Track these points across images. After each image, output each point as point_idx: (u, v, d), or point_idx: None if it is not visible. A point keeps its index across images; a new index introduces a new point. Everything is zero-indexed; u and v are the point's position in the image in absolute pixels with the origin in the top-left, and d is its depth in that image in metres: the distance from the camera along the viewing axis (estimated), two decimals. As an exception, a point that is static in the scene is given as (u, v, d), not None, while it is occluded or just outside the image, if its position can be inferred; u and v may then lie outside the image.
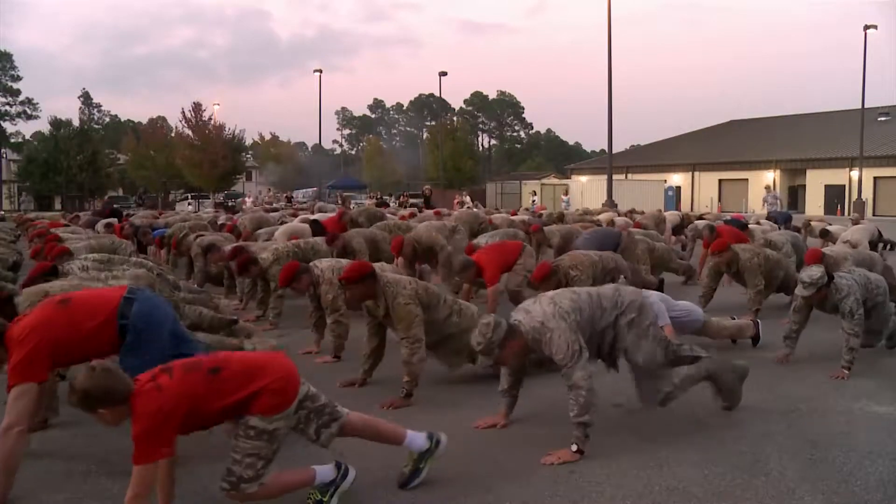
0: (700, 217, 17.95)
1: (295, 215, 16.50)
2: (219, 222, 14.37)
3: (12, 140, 57.40)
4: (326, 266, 5.93)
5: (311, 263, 6.03)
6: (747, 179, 46.25)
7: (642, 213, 19.33)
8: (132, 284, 4.28)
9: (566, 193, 40.10)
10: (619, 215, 19.96)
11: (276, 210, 21.53)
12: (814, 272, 5.30)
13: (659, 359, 4.00)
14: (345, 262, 6.04)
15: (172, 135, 45.05)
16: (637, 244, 9.25)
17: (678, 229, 15.09)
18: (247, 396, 2.84)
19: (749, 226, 13.82)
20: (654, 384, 4.03)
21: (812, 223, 13.61)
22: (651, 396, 4.06)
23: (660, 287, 8.50)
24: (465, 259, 7.53)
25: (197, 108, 38.70)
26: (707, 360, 4.23)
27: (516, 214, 19.21)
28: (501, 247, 8.25)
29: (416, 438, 3.37)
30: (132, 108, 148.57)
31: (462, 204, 39.06)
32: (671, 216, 16.14)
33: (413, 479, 3.36)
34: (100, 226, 14.51)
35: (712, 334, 6.04)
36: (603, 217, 16.34)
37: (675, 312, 5.79)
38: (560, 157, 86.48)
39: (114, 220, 15.26)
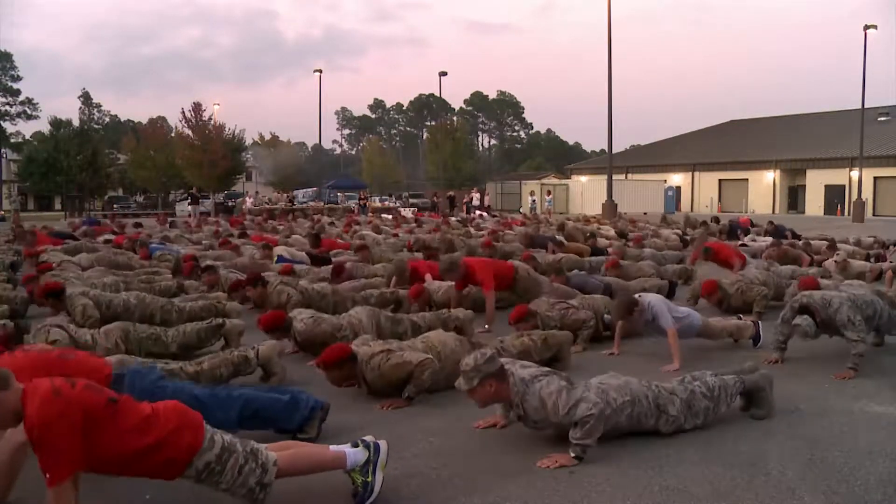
0: (704, 223, 17.93)
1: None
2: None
3: (12, 140, 57.41)
4: (308, 317, 5.87)
5: (291, 314, 5.97)
6: (747, 179, 46.26)
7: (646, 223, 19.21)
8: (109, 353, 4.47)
9: (549, 194, 40.31)
10: (620, 216, 20.01)
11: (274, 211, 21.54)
12: (804, 325, 5.25)
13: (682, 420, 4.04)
14: (326, 316, 6.01)
15: (172, 135, 45.00)
16: (629, 275, 9.53)
17: (682, 240, 15.09)
18: (146, 448, 2.74)
19: (744, 243, 13.81)
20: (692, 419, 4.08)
21: (813, 243, 13.31)
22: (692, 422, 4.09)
23: (671, 291, 8.50)
24: (452, 257, 7.23)
25: (197, 108, 38.61)
26: (748, 376, 4.32)
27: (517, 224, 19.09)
28: (494, 261, 8.11)
29: (352, 455, 3.16)
30: (136, 108, 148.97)
31: (471, 201, 39.28)
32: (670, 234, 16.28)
33: (367, 494, 3.12)
34: (100, 240, 14.56)
35: (712, 335, 6.04)
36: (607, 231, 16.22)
37: (674, 314, 5.78)
38: (560, 157, 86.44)
39: (110, 236, 15.37)
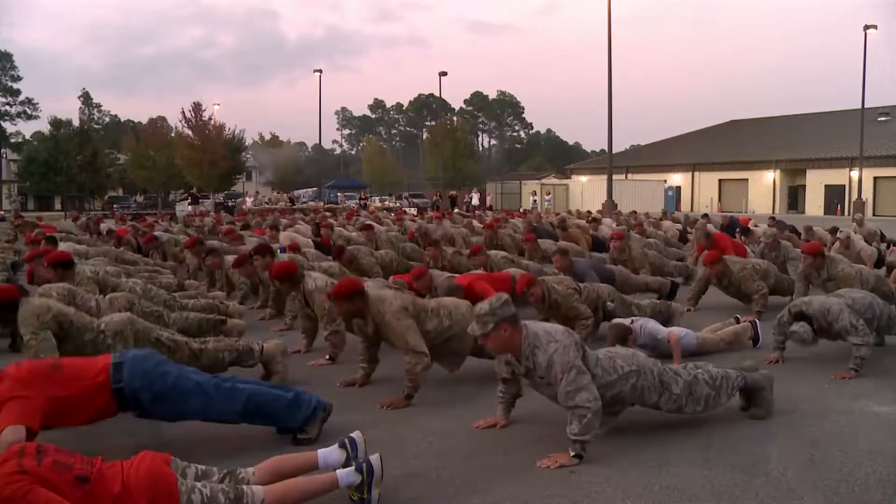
0: (705, 215, 18.02)
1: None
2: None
3: (12, 140, 57.42)
4: (320, 276, 5.98)
5: (305, 272, 6.04)
6: (747, 179, 46.27)
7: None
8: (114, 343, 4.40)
9: (548, 194, 40.44)
10: (619, 216, 20.02)
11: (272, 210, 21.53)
12: (801, 332, 5.26)
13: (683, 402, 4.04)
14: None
15: (172, 135, 44.98)
16: (633, 249, 9.41)
17: (682, 236, 15.13)
18: None
19: (751, 228, 13.89)
20: (693, 405, 4.08)
21: (814, 229, 13.41)
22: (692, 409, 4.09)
23: (673, 292, 8.48)
24: (450, 283, 7.23)
25: (197, 107, 38.58)
26: (749, 374, 4.32)
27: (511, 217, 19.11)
28: (491, 274, 8.07)
29: (344, 477, 3.10)
30: (136, 108, 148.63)
31: (470, 200, 39.34)
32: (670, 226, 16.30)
33: None
34: (103, 228, 14.60)
35: (710, 349, 6.00)
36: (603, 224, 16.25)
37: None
38: (560, 156, 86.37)
39: (112, 227, 15.44)
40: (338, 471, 3.11)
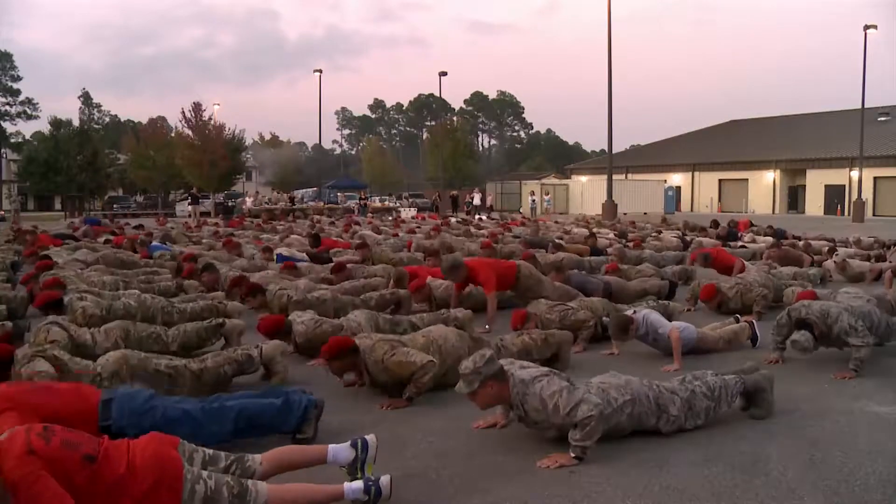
0: (702, 229, 17.95)
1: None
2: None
3: (12, 140, 57.41)
4: (308, 319, 5.94)
5: (290, 317, 6.01)
6: (747, 179, 46.27)
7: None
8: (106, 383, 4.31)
9: (547, 194, 40.49)
10: (619, 220, 20.01)
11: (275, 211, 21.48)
12: (802, 341, 5.22)
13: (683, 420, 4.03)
14: (325, 318, 6.03)
15: (172, 135, 44.97)
16: (627, 274, 9.50)
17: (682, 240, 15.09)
18: None
19: (747, 246, 13.79)
20: (693, 419, 4.07)
21: (813, 244, 13.32)
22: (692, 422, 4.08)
23: (671, 292, 8.48)
24: (454, 258, 7.13)
25: (197, 108, 38.57)
26: (747, 376, 4.31)
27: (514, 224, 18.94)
28: (496, 261, 8.07)
29: (350, 493, 3.07)
30: (136, 108, 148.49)
31: (472, 201, 39.34)
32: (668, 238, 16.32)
33: None
34: (100, 240, 14.62)
35: (709, 346, 6.00)
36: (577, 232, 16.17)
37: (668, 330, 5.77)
38: (560, 156, 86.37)
39: (110, 236, 15.48)
40: (345, 484, 3.10)
